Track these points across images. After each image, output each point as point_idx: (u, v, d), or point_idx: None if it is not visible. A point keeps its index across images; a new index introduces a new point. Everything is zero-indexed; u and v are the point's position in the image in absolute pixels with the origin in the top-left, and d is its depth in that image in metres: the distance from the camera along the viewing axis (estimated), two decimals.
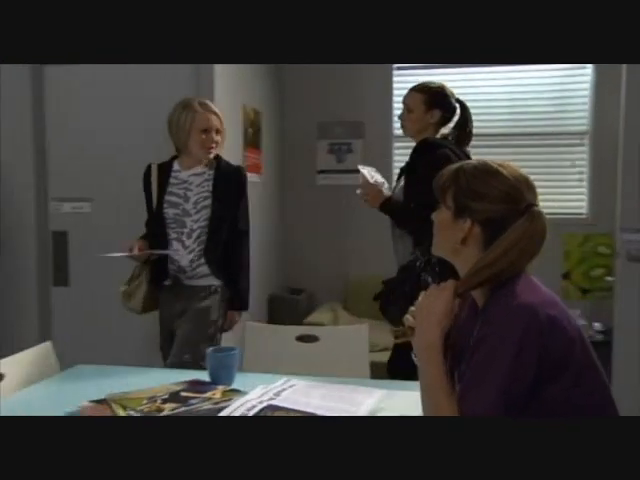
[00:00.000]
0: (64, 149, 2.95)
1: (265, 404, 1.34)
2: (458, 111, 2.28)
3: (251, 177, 3.27)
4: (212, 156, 2.20)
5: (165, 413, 1.28)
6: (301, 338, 1.97)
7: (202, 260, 2.20)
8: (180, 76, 2.74)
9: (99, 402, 1.35)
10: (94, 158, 2.88)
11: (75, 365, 1.80)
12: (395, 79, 3.74)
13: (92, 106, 2.89)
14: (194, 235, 2.19)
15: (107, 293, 2.93)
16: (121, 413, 1.27)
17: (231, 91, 2.98)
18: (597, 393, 1.03)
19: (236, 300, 2.29)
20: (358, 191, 2.28)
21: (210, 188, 2.19)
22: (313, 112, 3.80)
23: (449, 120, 2.27)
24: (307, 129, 3.81)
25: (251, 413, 1.28)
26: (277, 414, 1.29)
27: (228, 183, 2.22)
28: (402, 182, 2.27)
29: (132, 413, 1.27)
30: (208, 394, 1.42)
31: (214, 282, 2.21)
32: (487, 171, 1.11)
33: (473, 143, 3.71)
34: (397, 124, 3.72)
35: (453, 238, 1.13)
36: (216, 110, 2.20)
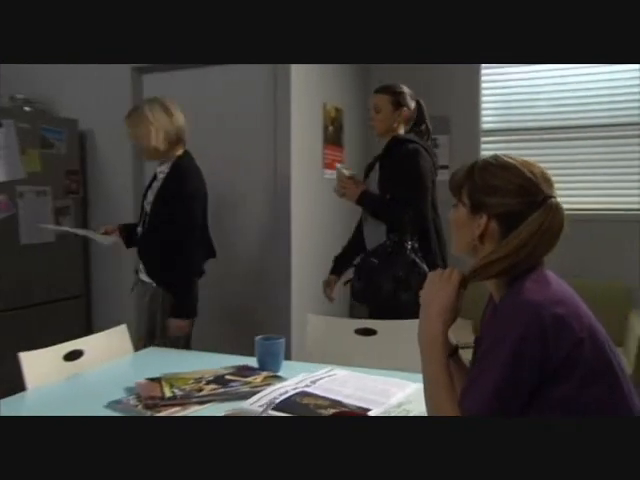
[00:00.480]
0: None
1: (298, 390, 1.42)
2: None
3: (333, 174, 3.36)
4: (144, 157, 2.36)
5: (204, 392, 1.40)
6: (359, 331, 2.02)
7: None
8: (259, 76, 2.88)
9: (153, 380, 1.49)
10: None
11: (149, 347, 1.99)
12: (483, 72, 3.65)
13: (182, 109, 3.11)
14: (141, 229, 2.32)
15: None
16: (167, 390, 1.40)
17: (310, 90, 3.07)
18: (610, 394, 0.99)
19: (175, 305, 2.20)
20: (334, 188, 2.42)
21: (159, 185, 2.28)
22: None
23: (412, 118, 2.40)
24: None
25: (282, 398, 1.36)
26: (305, 400, 1.35)
27: (170, 182, 2.24)
28: (375, 177, 2.37)
29: (176, 391, 1.40)
30: (250, 379, 1.51)
31: (149, 280, 2.26)
32: (500, 165, 1.10)
33: (548, 136, 3.58)
34: (486, 118, 3.70)
35: (471, 235, 1.12)
36: (130, 114, 2.29)
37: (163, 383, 1.45)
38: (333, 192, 2.43)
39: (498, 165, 1.11)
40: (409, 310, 1.91)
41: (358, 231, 2.53)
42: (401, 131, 2.38)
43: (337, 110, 3.35)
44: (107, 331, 1.86)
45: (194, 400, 1.36)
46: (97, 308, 3.35)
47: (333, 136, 3.31)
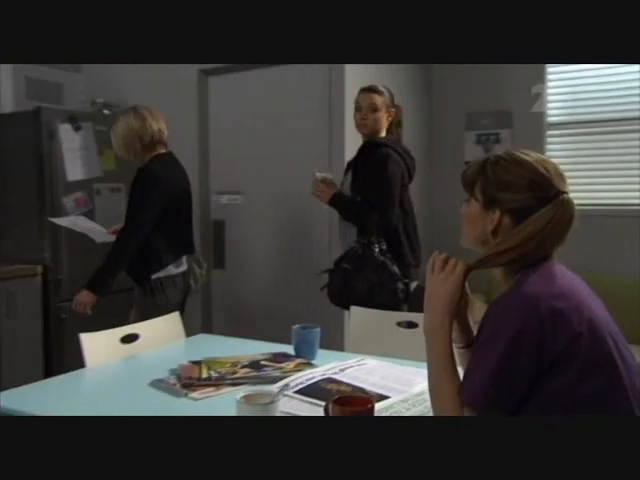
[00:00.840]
0: (222, 148, 3.37)
1: (325, 377, 1.49)
2: None
3: None
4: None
5: (237, 375, 1.50)
6: (402, 324, 2.06)
7: None
8: (316, 76, 2.96)
9: (195, 362, 1.60)
10: (244, 155, 3.25)
11: (200, 334, 2.13)
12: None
13: (243, 110, 3.26)
14: None
15: (256, 275, 3.30)
16: (205, 372, 1.52)
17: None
18: (609, 387, 0.99)
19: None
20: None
21: None
22: (461, 104, 3.77)
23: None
24: (454, 121, 3.79)
25: (308, 383, 1.44)
26: (329, 386, 1.42)
27: (131, 185, 2.45)
28: (349, 178, 2.42)
29: (212, 373, 1.51)
30: (283, 364, 1.60)
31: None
32: (512, 160, 1.12)
33: (624, 128, 3.44)
34: (552, 111, 3.59)
35: (483, 230, 1.14)
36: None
37: (202, 365, 1.57)
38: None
39: (511, 160, 1.12)
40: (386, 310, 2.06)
41: None
42: (383, 133, 2.44)
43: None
44: (161, 317, 2.00)
45: (227, 382, 1.47)
46: None
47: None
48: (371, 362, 1.65)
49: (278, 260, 3.27)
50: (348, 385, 1.43)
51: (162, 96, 3.46)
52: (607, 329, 1.02)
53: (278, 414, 1.21)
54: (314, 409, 1.27)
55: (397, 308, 2.20)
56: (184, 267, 2.52)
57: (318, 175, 2.45)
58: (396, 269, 2.22)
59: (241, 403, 1.20)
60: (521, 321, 0.99)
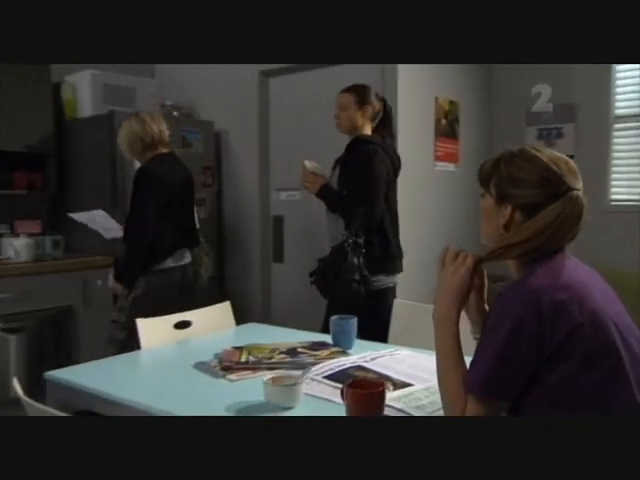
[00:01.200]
0: (281, 146, 3.49)
1: (355, 364, 1.57)
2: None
3: (446, 166, 3.41)
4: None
5: (273, 360, 1.60)
6: None
7: None
8: (369, 75, 3.01)
9: (237, 348, 1.72)
10: (302, 153, 3.34)
11: (250, 323, 2.25)
12: None
13: (301, 109, 3.37)
14: None
15: (312, 268, 3.40)
16: (244, 357, 1.63)
17: (421, 85, 3.14)
18: (611, 377, 1.00)
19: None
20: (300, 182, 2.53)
21: None
22: (522, 98, 3.70)
23: (377, 116, 2.48)
24: (515, 116, 3.73)
25: (337, 369, 1.52)
26: (357, 373, 1.50)
27: (133, 183, 2.57)
28: (337, 172, 2.46)
29: (250, 357, 1.62)
30: (318, 352, 1.68)
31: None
32: (524, 157, 1.14)
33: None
34: (618, 104, 3.47)
35: (497, 224, 1.18)
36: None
37: (243, 351, 1.68)
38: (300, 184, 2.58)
39: (524, 157, 1.15)
40: (347, 301, 2.20)
41: None
42: (367, 130, 2.45)
43: (451, 103, 3.37)
44: (212, 306, 2.14)
45: (263, 366, 1.57)
46: (229, 287, 3.74)
47: (447, 129, 3.35)
48: (404, 352, 1.70)
49: None
50: (375, 373, 1.50)
51: (225, 97, 3.65)
52: (613, 321, 1.04)
53: (302, 395, 1.31)
54: (337, 392, 1.34)
55: (353, 300, 2.24)
56: (187, 259, 2.68)
57: (308, 165, 2.50)
58: (356, 261, 2.25)
59: (267, 384, 1.30)
60: (522, 312, 1.02)
